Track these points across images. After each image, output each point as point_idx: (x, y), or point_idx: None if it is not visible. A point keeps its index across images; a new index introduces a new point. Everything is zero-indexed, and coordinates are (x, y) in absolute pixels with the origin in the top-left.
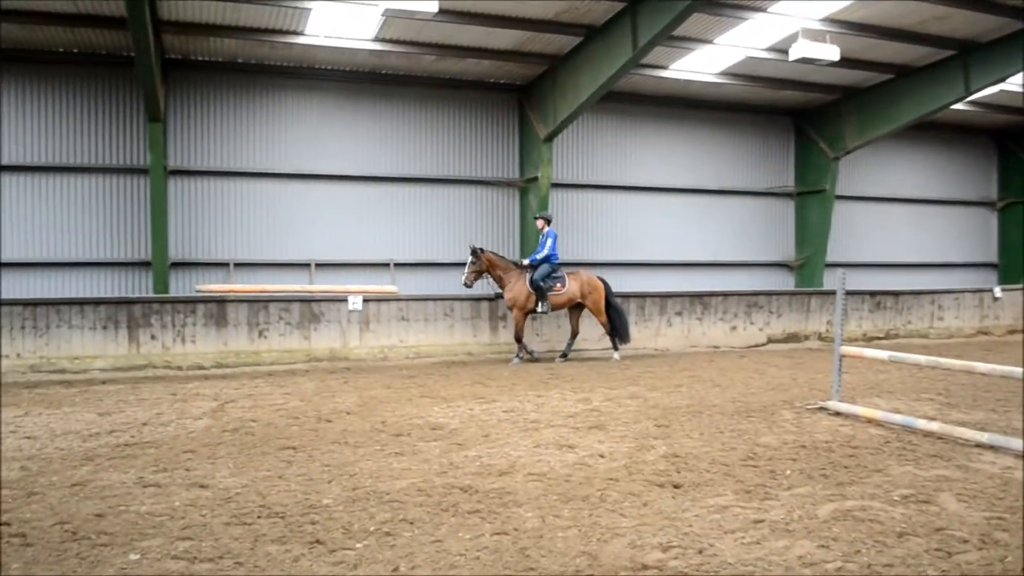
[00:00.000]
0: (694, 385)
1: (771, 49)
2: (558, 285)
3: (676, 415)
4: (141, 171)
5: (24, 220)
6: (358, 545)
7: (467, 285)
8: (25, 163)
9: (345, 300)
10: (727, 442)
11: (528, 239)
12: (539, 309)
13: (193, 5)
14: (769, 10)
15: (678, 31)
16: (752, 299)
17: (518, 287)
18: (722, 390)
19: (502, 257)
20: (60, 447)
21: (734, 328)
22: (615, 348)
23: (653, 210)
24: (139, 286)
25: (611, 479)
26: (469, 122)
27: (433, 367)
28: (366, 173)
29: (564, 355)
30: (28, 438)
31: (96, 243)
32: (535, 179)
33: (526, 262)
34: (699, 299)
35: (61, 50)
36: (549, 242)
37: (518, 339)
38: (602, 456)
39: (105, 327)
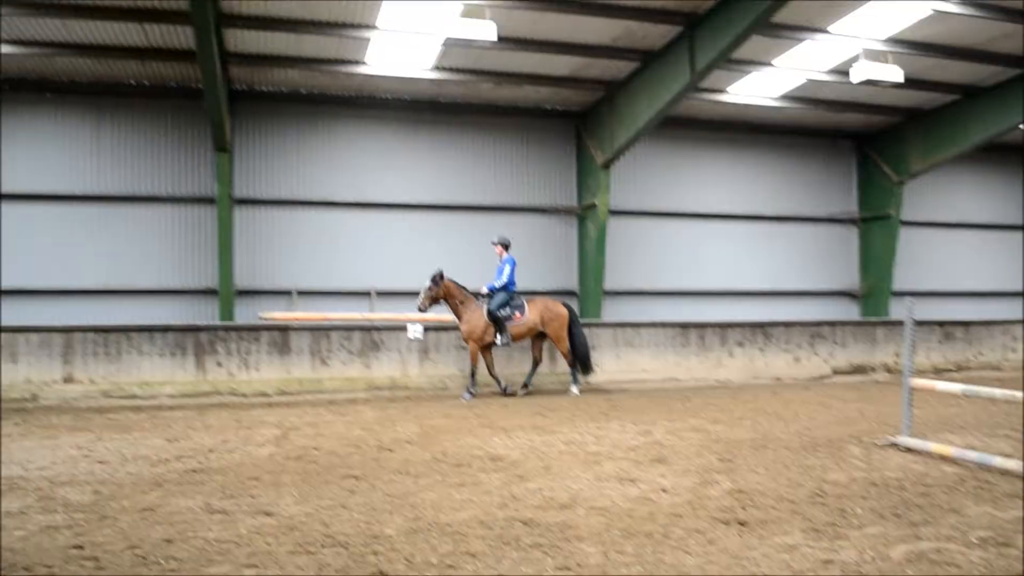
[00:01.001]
0: (757, 418)
1: (832, 71)
2: (517, 314)
3: (740, 449)
4: (208, 200)
5: (96, 249)
6: None
7: (421, 310)
8: (97, 193)
9: (404, 328)
10: (793, 478)
11: (586, 266)
12: (499, 341)
13: (259, 37)
14: (830, 31)
15: (736, 54)
16: (816, 329)
17: (474, 318)
18: (787, 423)
19: (462, 288)
20: (130, 472)
21: (797, 359)
22: (575, 381)
23: (712, 237)
24: (205, 314)
25: (675, 515)
26: (526, 149)
27: (492, 396)
28: (425, 201)
29: (525, 385)
30: (100, 463)
31: (164, 271)
32: (593, 206)
33: (484, 290)
34: (761, 329)
35: (132, 83)
36: (507, 269)
37: (472, 373)
38: (665, 491)
39: (173, 354)
